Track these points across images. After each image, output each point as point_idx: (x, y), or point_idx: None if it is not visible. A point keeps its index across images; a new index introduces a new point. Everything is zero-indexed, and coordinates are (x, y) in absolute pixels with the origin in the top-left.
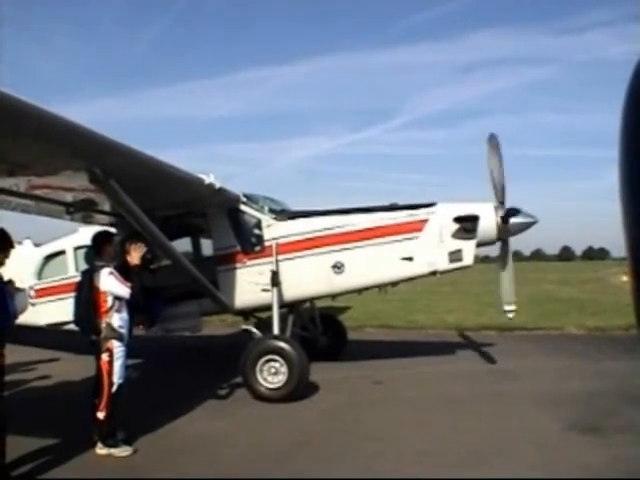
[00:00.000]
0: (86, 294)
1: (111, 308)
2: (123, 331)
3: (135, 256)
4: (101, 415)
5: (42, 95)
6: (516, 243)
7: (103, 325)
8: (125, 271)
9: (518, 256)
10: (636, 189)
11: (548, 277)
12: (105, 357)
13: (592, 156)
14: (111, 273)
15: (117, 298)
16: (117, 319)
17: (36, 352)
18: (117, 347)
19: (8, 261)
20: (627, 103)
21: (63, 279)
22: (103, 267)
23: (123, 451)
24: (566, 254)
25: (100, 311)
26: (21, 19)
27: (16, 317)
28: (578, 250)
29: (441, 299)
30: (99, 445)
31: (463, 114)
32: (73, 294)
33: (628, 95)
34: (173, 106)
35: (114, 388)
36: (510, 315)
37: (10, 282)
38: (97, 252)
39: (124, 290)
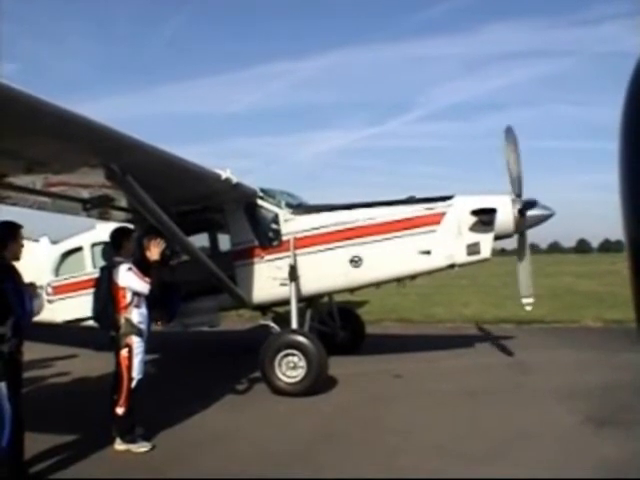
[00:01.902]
0: (105, 290)
1: (130, 304)
2: (142, 326)
3: (154, 252)
4: (120, 410)
5: (57, 93)
6: (533, 236)
7: (122, 321)
8: (143, 267)
9: (535, 249)
10: (636, 187)
11: (565, 270)
12: (124, 353)
13: (607, 148)
14: (130, 269)
15: (136, 294)
16: (136, 314)
17: (54, 349)
18: (136, 342)
19: (25, 259)
20: (627, 102)
21: (80, 276)
22: (122, 263)
23: (141, 447)
24: (583, 247)
25: (119, 307)
26: (34, 18)
27: (32, 317)
28: (595, 242)
29: (459, 292)
30: (118, 441)
31: (479, 107)
32: (90, 291)
33: (628, 94)
34: (189, 102)
35: (134, 383)
36: (528, 308)
37: (32, 284)
38: (116, 248)
39: (143, 286)
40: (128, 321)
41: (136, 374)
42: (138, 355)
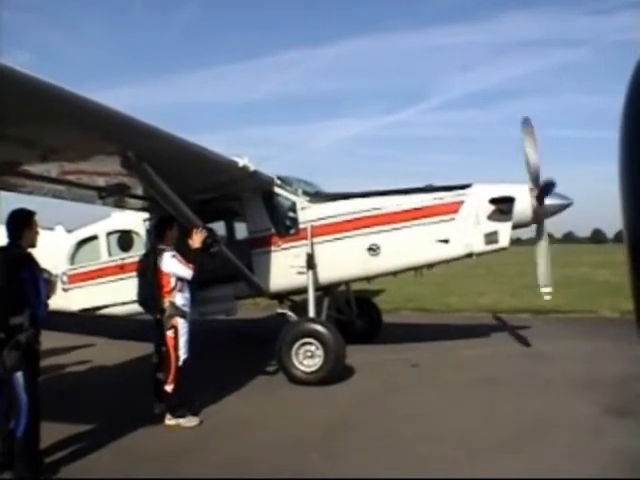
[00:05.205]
0: (150, 276)
1: (174, 288)
2: (186, 309)
3: (196, 240)
4: (169, 388)
5: (75, 81)
6: (548, 225)
7: (167, 304)
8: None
9: (550, 238)
10: (637, 188)
11: (581, 260)
12: (170, 334)
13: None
14: (174, 256)
15: (179, 279)
16: (180, 298)
17: (70, 337)
18: (181, 324)
19: (41, 247)
20: (628, 101)
21: (96, 264)
22: (165, 250)
23: (190, 421)
24: (598, 237)
25: (164, 291)
26: (48, 6)
27: (47, 306)
28: (610, 233)
29: (475, 281)
30: (168, 416)
31: (495, 95)
32: (106, 279)
33: (629, 93)
34: (206, 90)
35: (180, 362)
36: (547, 297)
37: (45, 270)
38: (159, 236)
39: (187, 272)
40: (172, 304)
41: (182, 353)
42: (183, 335)
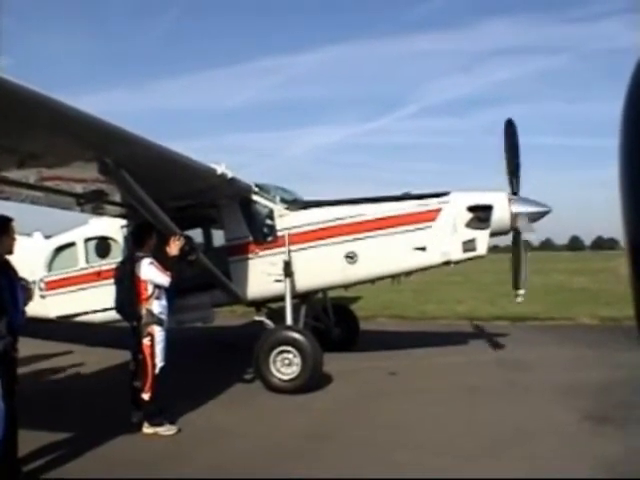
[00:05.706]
0: (128, 283)
1: (151, 295)
2: (162, 317)
3: (174, 247)
4: (146, 396)
5: (54, 86)
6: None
7: (143, 312)
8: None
9: (528, 246)
10: (637, 189)
11: (559, 267)
12: (147, 341)
13: (601, 145)
14: (151, 263)
15: (157, 286)
16: (157, 306)
17: (48, 345)
18: (158, 332)
19: (18, 254)
20: (628, 102)
21: (73, 271)
22: (143, 257)
23: (168, 430)
24: (575, 244)
25: (141, 298)
26: (26, 12)
27: (25, 313)
28: (587, 240)
29: (452, 289)
30: (145, 424)
31: (474, 103)
32: (83, 286)
33: (628, 94)
34: (185, 97)
35: (157, 370)
36: (519, 299)
37: (22, 279)
38: (137, 243)
39: (164, 279)
40: (149, 312)
41: (159, 361)
42: (160, 343)
